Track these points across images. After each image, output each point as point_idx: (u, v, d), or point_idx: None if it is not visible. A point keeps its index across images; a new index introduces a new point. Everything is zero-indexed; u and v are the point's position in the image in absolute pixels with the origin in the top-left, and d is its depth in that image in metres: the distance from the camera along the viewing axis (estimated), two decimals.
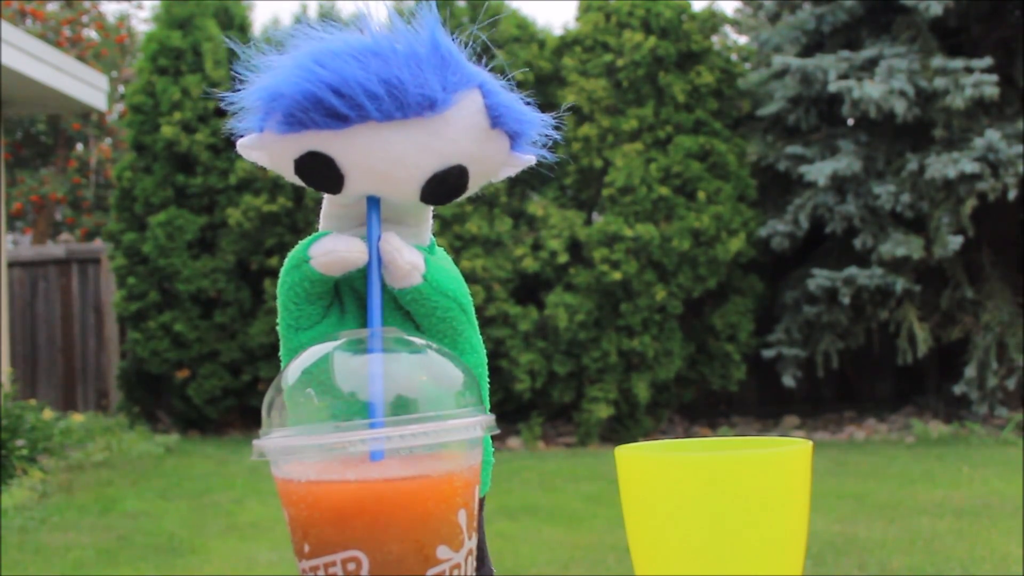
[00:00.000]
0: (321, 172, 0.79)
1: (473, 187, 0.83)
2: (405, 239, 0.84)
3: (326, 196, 0.86)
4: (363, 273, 0.82)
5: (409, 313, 0.85)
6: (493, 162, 0.83)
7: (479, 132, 0.80)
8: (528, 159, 0.86)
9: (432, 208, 0.88)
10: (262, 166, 0.84)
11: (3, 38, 7.05)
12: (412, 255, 0.82)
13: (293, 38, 0.80)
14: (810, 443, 0.74)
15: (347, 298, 0.86)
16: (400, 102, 0.76)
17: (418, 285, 0.83)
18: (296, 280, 0.83)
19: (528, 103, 0.83)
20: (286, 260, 0.85)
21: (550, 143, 0.86)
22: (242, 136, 0.83)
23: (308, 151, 0.79)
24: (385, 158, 0.78)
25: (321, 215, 0.87)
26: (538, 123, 0.84)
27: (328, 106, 0.76)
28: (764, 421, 8.66)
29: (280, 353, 0.86)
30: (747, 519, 0.69)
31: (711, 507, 0.69)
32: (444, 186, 0.81)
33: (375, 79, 0.76)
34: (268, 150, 0.82)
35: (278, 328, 0.86)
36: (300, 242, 0.84)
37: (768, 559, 0.70)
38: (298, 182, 0.82)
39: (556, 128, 0.86)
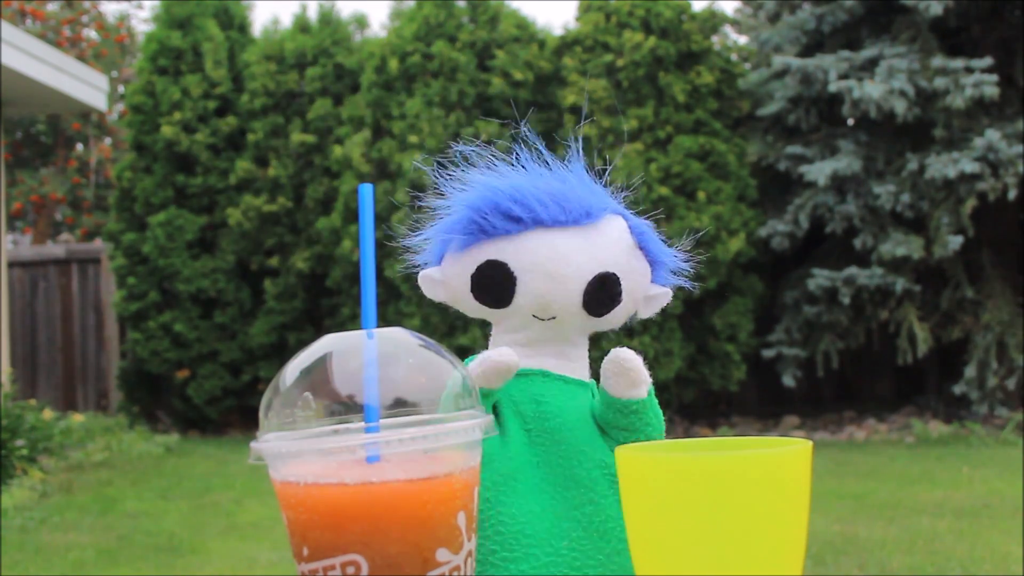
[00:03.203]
0: (496, 279, 0.91)
1: (625, 304, 0.93)
2: (568, 374, 0.94)
3: (494, 330, 0.96)
4: (532, 398, 0.91)
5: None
6: (639, 281, 0.94)
7: (627, 247, 0.93)
8: (666, 292, 0.97)
9: (588, 344, 0.97)
10: (439, 301, 0.96)
11: (3, 38, 7.05)
12: (645, 370, 0.93)
13: (467, 179, 0.93)
14: (810, 443, 0.73)
15: (510, 422, 0.92)
16: (563, 208, 0.91)
17: (644, 399, 0.92)
18: None
19: (660, 236, 0.97)
20: None
21: (685, 274, 0.98)
22: (424, 269, 0.96)
23: (485, 260, 0.91)
24: (552, 257, 0.90)
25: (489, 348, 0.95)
26: (672, 254, 0.97)
27: (505, 210, 0.90)
28: (764, 421, 8.66)
29: None
30: (747, 519, 0.69)
31: (711, 507, 0.69)
32: (603, 291, 0.92)
33: (542, 191, 0.91)
34: (446, 275, 0.94)
35: None
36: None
37: (768, 559, 0.70)
38: (473, 308, 0.93)
39: (685, 260, 0.98)
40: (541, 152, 0.94)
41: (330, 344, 0.76)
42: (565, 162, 0.95)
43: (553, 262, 0.90)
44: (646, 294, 0.95)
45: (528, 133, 0.95)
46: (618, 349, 0.91)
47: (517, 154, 0.94)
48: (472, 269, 0.91)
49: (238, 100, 9.06)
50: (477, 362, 0.88)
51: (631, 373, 0.89)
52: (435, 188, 0.95)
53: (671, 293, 0.97)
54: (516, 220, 0.90)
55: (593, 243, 0.91)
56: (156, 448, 7.77)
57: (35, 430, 6.56)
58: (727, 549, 0.69)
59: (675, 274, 0.97)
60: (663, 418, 0.94)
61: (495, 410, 0.92)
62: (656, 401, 0.93)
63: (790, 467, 0.71)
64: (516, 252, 0.90)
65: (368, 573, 0.69)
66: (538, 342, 0.94)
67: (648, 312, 0.96)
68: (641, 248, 0.94)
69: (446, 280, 0.94)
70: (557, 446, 0.91)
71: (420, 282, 0.95)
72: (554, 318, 0.92)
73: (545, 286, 0.90)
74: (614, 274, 0.91)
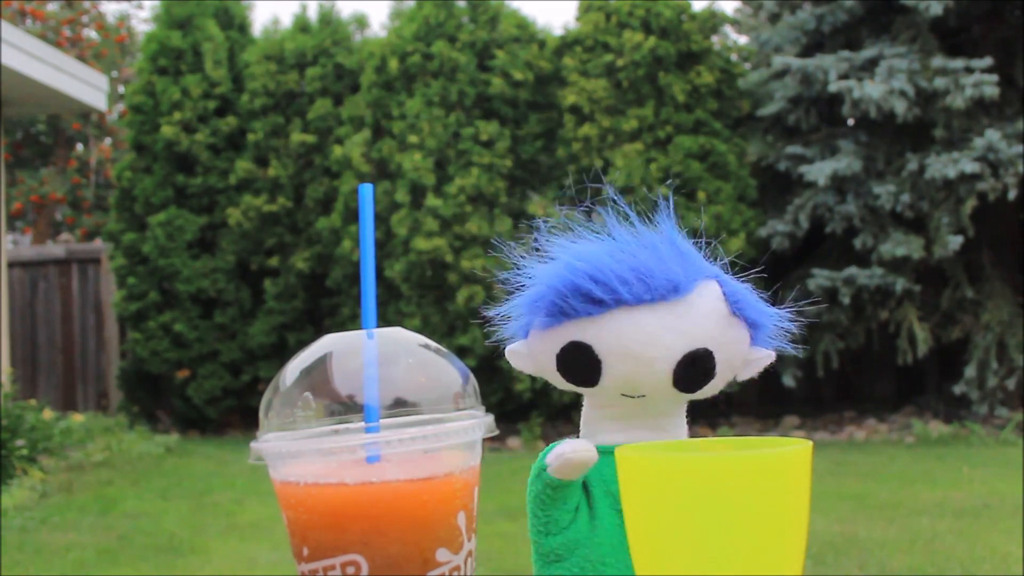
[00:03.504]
0: (581, 361, 0.87)
1: (720, 376, 0.88)
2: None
3: (585, 402, 0.92)
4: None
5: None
6: (736, 350, 0.89)
7: (721, 317, 0.87)
8: (769, 354, 0.91)
9: (685, 414, 0.93)
10: (528, 374, 0.92)
11: (3, 38, 7.05)
12: None
13: (549, 248, 0.89)
14: (810, 443, 0.73)
15: (601, 503, 0.89)
16: (648, 285, 0.85)
17: None
18: (540, 489, 0.88)
19: (762, 297, 0.90)
20: (531, 470, 0.90)
21: (789, 336, 0.92)
22: (510, 343, 0.92)
23: (569, 341, 0.86)
24: (638, 339, 0.85)
25: (581, 423, 0.94)
26: (774, 316, 0.91)
27: (586, 292, 0.85)
28: (764, 421, 8.66)
29: (532, 559, 0.89)
30: (747, 519, 0.69)
31: (711, 507, 0.69)
32: (694, 368, 0.86)
33: (625, 267, 0.85)
34: (532, 350, 0.90)
35: (529, 532, 0.90)
36: (542, 451, 0.89)
37: (768, 559, 0.70)
38: (562, 383, 0.90)
39: (790, 320, 0.92)
40: (628, 215, 0.89)
41: (330, 344, 0.76)
42: (655, 223, 0.89)
43: (639, 344, 0.85)
44: (746, 359, 0.90)
45: (614, 196, 0.90)
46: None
47: (602, 217, 0.89)
48: (557, 349, 0.87)
49: (238, 100, 9.06)
50: (554, 455, 0.85)
51: None
52: (515, 260, 0.90)
53: (774, 355, 0.91)
54: (597, 302, 0.85)
55: (682, 318, 0.85)
56: (156, 448, 7.77)
57: (35, 430, 6.56)
58: (727, 549, 0.69)
59: (778, 334, 0.91)
60: None
61: (585, 489, 0.89)
62: None
63: (790, 467, 0.71)
64: (600, 334, 0.85)
65: (368, 573, 0.69)
66: (630, 416, 0.90)
67: (748, 374, 0.91)
68: (737, 314, 0.88)
69: (532, 355, 0.90)
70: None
71: (507, 356, 0.91)
72: (644, 396, 0.88)
73: (632, 369, 0.86)
74: (706, 350, 0.86)
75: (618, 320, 0.85)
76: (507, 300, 0.90)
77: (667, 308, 0.85)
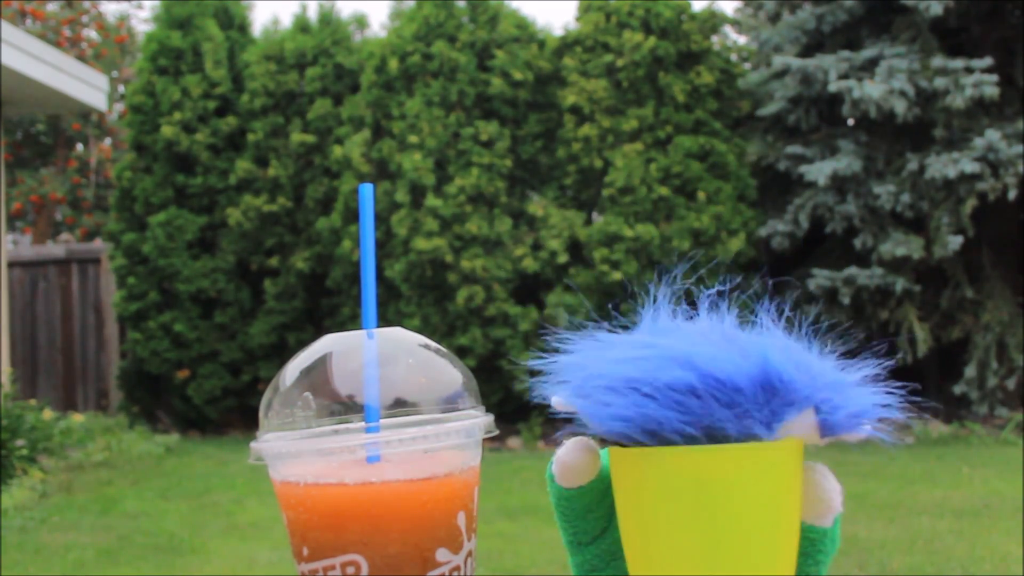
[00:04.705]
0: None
1: None
2: None
3: None
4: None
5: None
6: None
7: (808, 447, 0.74)
8: (867, 431, 0.77)
9: None
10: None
11: (3, 38, 7.05)
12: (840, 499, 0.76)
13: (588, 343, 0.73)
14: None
15: None
16: (714, 440, 0.68)
17: (828, 528, 0.77)
18: (555, 500, 0.80)
19: (868, 388, 0.75)
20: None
21: (891, 418, 0.77)
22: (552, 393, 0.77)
23: (616, 443, 0.72)
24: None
25: None
26: (876, 412, 0.76)
27: (637, 440, 0.69)
28: None
29: (569, 563, 0.83)
30: (741, 515, 0.69)
31: (704, 502, 0.68)
32: None
33: (687, 416, 0.67)
34: (577, 407, 0.75)
35: (563, 542, 0.83)
36: (551, 458, 0.81)
37: (763, 556, 0.70)
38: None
39: (888, 405, 0.77)
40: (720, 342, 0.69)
41: (330, 344, 0.76)
42: (745, 356, 0.68)
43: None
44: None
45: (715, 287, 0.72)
46: (818, 468, 0.75)
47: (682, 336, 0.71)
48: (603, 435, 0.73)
49: (238, 100, 9.07)
50: (554, 463, 0.77)
51: (821, 505, 0.76)
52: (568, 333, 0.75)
53: (864, 436, 0.77)
54: (644, 443, 0.69)
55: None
56: (156, 448, 7.77)
57: (35, 430, 6.56)
58: (718, 544, 0.69)
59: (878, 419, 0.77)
60: (839, 543, 0.78)
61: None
62: (838, 528, 0.77)
63: (784, 461, 0.70)
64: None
65: (368, 573, 0.69)
66: None
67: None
68: (830, 435, 0.73)
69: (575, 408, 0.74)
70: None
71: (553, 404, 0.76)
72: None
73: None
74: None
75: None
76: (549, 362, 0.76)
77: None
